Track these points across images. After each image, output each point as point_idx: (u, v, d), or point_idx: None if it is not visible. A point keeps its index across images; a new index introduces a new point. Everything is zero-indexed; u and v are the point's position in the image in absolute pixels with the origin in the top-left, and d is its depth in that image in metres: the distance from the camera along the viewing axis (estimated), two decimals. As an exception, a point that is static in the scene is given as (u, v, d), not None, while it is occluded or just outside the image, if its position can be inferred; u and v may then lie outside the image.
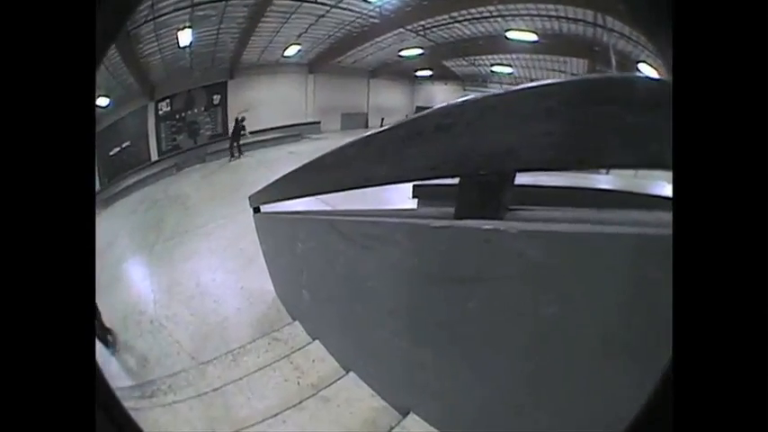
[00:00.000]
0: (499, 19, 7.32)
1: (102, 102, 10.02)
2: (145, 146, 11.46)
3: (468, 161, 1.74)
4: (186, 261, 6.21)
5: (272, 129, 9.63)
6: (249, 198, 4.50)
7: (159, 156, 11.40)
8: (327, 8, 7.52)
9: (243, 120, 9.49)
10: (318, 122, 9.48)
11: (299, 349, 3.68)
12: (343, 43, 8.67)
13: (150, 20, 7.29)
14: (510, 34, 7.48)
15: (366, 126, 8.62)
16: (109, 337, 4.60)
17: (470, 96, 1.76)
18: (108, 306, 4.85)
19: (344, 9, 7.49)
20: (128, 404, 3.03)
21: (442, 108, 1.78)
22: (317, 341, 3.64)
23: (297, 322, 4.03)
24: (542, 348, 1.70)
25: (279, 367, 3.57)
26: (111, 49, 6.32)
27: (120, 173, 11.29)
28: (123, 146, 11.55)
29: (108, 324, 4.59)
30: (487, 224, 1.70)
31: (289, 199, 3.70)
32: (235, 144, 9.64)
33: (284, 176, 3.59)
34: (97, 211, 8.32)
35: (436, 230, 1.92)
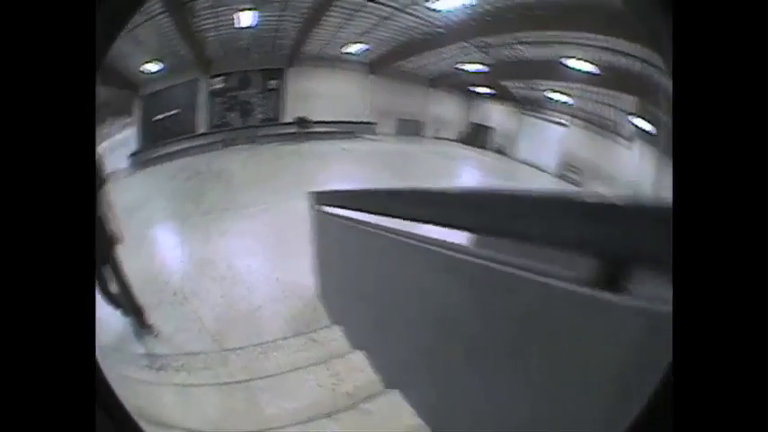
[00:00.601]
0: (557, 45, 7.10)
1: (153, 67, 10.11)
2: (193, 117, 11.23)
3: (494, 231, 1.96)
4: (222, 239, 5.89)
5: (326, 122, 9.29)
6: (310, 194, 4.17)
7: (207, 129, 11.10)
8: (392, 11, 7.27)
9: (304, 116, 9.23)
10: (374, 124, 9.09)
11: (339, 356, 3.45)
12: (406, 48, 8.35)
13: None
14: (567, 62, 7.18)
15: (420, 134, 8.30)
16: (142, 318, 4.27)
17: (503, 188, 1.91)
18: (128, 266, 4.35)
19: (410, 14, 7.25)
20: (128, 370, 3.58)
21: (476, 192, 2.18)
22: (359, 351, 3.45)
23: (338, 327, 3.79)
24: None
25: (314, 371, 3.37)
26: (163, 15, 7.63)
27: (163, 138, 11.11)
28: (171, 113, 11.41)
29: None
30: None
31: (353, 209, 3.55)
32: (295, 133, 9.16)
33: (355, 191, 3.60)
34: (134, 171, 9.19)
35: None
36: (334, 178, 7.03)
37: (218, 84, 10.83)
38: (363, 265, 3.53)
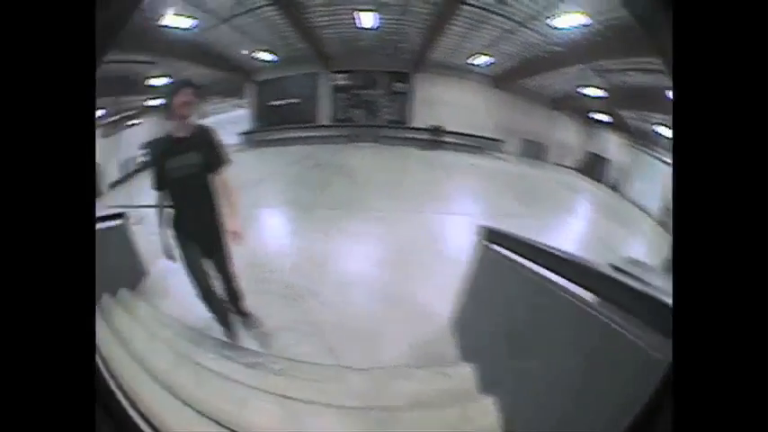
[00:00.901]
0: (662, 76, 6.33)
1: (266, 56, 10.49)
2: (313, 108, 11.29)
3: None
4: (345, 239, 5.57)
5: (456, 133, 8.96)
6: (480, 228, 3.79)
7: (329, 122, 11.08)
8: (514, 24, 7.00)
9: (438, 125, 8.89)
10: (500, 141, 8.69)
11: (471, 398, 3.12)
12: (529, 65, 8.03)
13: None
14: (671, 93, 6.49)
15: (542, 158, 7.89)
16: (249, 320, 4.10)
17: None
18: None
19: (531, 30, 6.97)
20: (204, 358, 3.53)
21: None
22: (490, 396, 3.11)
23: (471, 366, 3.44)
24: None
25: (444, 410, 3.05)
26: (269, 8, 7.28)
27: (278, 123, 11.39)
28: (290, 101, 11.64)
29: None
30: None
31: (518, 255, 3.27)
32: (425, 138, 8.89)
33: (526, 241, 3.36)
34: (246, 148, 9.52)
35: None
36: (460, 193, 6.90)
37: (341, 80, 10.83)
38: (512, 310, 3.24)
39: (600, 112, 8.03)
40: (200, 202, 3.59)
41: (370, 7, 7.26)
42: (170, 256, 3.63)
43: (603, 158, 7.67)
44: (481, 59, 8.13)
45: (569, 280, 2.59)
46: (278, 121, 11.64)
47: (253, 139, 11.48)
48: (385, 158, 8.53)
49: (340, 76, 10.82)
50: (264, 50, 10.42)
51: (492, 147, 8.59)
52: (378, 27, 7.93)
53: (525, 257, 3.23)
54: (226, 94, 12.82)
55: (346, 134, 10.30)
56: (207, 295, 3.76)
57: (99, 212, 5.02)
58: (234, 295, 4.04)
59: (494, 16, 6.79)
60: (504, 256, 3.58)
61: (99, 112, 10.27)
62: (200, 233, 3.65)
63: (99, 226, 4.18)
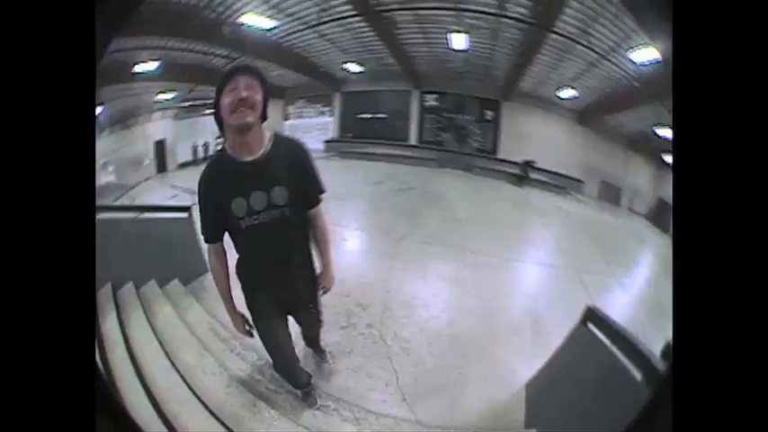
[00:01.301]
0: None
1: (354, 67, 10.56)
2: (403, 126, 11.36)
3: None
4: (434, 279, 4.87)
5: (544, 170, 8.72)
6: (587, 308, 3.43)
7: (418, 143, 11.11)
8: (597, 57, 6.71)
9: (531, 160, 8.64)
10: (581, 182, 8.43)
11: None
12: (609, 100, 7.83)
13: (408, 8, 7.08)
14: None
15: (618, 203, 7.60)
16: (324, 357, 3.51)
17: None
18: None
19: (611, 62, 6.67)
20: (258, 388, 3.11)
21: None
22: None
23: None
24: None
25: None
26: (355, 19, 7.54)
27: (364, 136, 11.51)
28: (378, 116, 11.73)
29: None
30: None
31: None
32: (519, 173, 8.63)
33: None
34: (331, 157, 9.76)
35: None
36: (550, 241, 6.20)
37: (432, 101, 10.79)
38: (594, 397, 2.96)
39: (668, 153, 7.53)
40: (284, 250, 2.37)
41: (462, 29, 7.05)
42: (248, 333, 2.59)
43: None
44: (567, 92, 7.95)
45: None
46: (365, 134, 11.83)
47: (338, 148, 11.67)
48: (477, 191, 8.25)
49: (430, 96, 10.73)
50: (353, 62, 10.41)
51: (574, 187, 8.37)
52: (468, 50, 7.79)
53: (620, 350, 2.97)
54: (312, 100, 13.09)
55: (435, 158, 10.19)
56: (286, 369, 2.90)
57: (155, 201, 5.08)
58: (314, 340, 3.33)
59: (578, 47, 6.53)
60: (600, 341, 3.28)
61: (170, 95, 11.00)
62: (282, 291, 2.51)
63: (166, 216, 4.59)
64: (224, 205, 2.16)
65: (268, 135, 2.21)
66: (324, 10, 7.38)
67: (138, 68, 9.03)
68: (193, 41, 9.12)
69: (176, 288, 4.29)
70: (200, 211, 2.25)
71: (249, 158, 2.13)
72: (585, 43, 6.19)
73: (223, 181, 2.16)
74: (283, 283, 2.48)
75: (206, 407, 2.80)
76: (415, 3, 6.85)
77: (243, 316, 2.52)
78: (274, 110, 14.59)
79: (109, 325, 3.51)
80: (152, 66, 9.35)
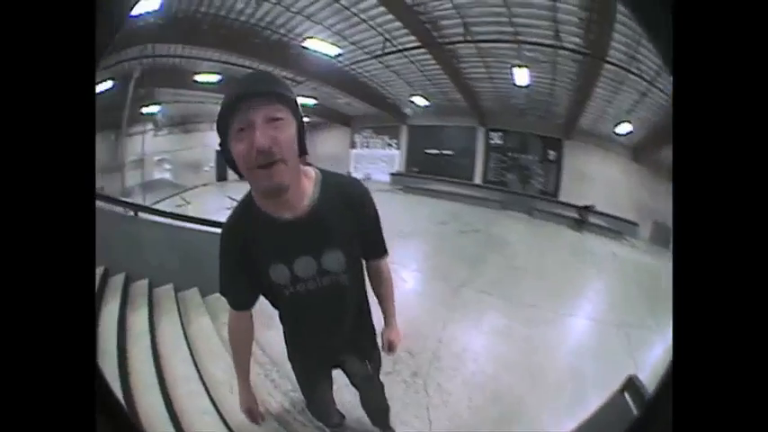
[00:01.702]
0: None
1: (420, 101, 10.55)
2: (468, 164, 11.33)
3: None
4: (496, 335, 4.40)
5: (600, 213, 8.54)
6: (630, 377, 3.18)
7: (482, 182, 11.04)
8: (647, 84, 6.46)
9: (591, 204, 8.46)
10: (636, 224, 8.16)
11: None
12: (660, 133, 7.49)
13: (469, 41, 6.83)
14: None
15: (668, 247, 7.06)
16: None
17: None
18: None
19: (659, 89, 6.40)
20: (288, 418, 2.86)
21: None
22: None
23: None
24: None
25: None
26: (420, 50, 7.52)
27: (431, 173, 11.43)
28: (444, 152, 11.72)
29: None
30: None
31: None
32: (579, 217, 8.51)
33: None
34: (395, 190, 9.70)
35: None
36: (604, 295, 5.73)
37: (497, 139, 10.75)
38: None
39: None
40: (337, 318, 1.81)
41: (523, 63, 6.97)
42: (254, 420, 2.03)
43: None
44: (623, 128, 7.86)
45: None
46: (431, 169, 11.96)
47: (404, 182, 11.88)
48: (537, 236, 7.90)
49: (495, 134, 10.71)
50: (419, 95, 10.37)
51: (629, 231, 8.17)
52: (530, 85, 7.76)
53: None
54: (379, 131, 13.27)
55: (499, 199, 9.99)
56: (320, 413, 2.48)
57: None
58: (381, 415, 2.71)
59: (630, 76, 6.34)
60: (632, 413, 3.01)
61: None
62: (332, 354, 2.02)
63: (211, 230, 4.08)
64: (259, 268, 1.56)
65: (313, 178, 1.53)
66: (388, 40, 7.26)
67: (198, 78, 9.20)
68: (255, 60, 8.89)
69: (220, 302, 3.96)
70: (223, 269, 1.61)
71: (290, 217, 1.46)
72: (635, 71, 6.04)
73: (256, 241, 1.53)
74: (335, 348, 1.95)
75: (226, 424, 2.58)
76: (475, 36, 6.69)
77: (254, 399, 1.94)
78: (341, 136, 14.56)
79: (137, 318, 3.44)
80: (213, 78, 9.57)
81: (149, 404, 2.54)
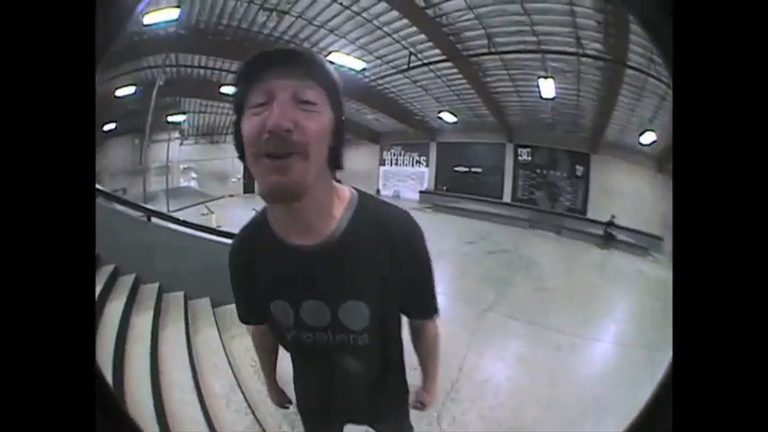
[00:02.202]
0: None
1: (448, 117, 10.59)
2: (497, 182, 11.36)
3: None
4: (520, 363, 3.99)
5: (627, 229, 8.45)
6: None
7: (512, 200, 11.10)
8: (665, 87, 6.29)
9: (613, 218, 8.43)
10: (661, 239, 8.01)
11: None
12: None
13: (493, 53, 6.74)
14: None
15: None
16: None
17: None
18: None
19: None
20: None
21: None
22: None
23: None
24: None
25: None
26: (447, 64, 7.68)
27: (460, 190, 11.49)
28: (472, 169, 11.81)
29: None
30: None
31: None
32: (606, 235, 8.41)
33: None
34: (423, 209, 9.39)
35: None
36: (627, 312, 5.53)
37: (525, 155, 10.74)
38: None
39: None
40: (353, 382, 1.31)
41: (548, 74, 6.89)
42: (284, 407, 1.65)
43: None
44: (648, 137, 7.80)
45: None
46: (460, 187, 11.98)
47: (433, 200, 11.92)
48: (565, 256, 7.63)
49: (524, 151, 10.64)
50: (447, 110, 10.32)
51: (655, 246, 8.02)
52: (556, 97, 7.67)
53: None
54: (408, 148, 13.61)
55: (528, 218, 9.90)
56: None
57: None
58: None
59: (650, 79, 6.28)
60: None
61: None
62: (348, 418, 1.61)
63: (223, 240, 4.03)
64: (260, 298, 1.15)
65: (347, 199, 1.06)
66: (413, 54, 7.24)
67: (224, 90, 9.03)
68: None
69: (230, 314, 3.61)
70: (231, 281, 1.27)
71: (305, 243, 1.01)
72: (654, 73, 6.01)
73: (258, 266, 1.14)
74: (347, 413, 1.53)
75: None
76: (499, 47, 6.64)
77: (283, 393, 1.56)
78: (370, 153, 14.37)
79: (141, 319, 3.31)
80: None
81: (140, 403, 2.46)
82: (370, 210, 1.05)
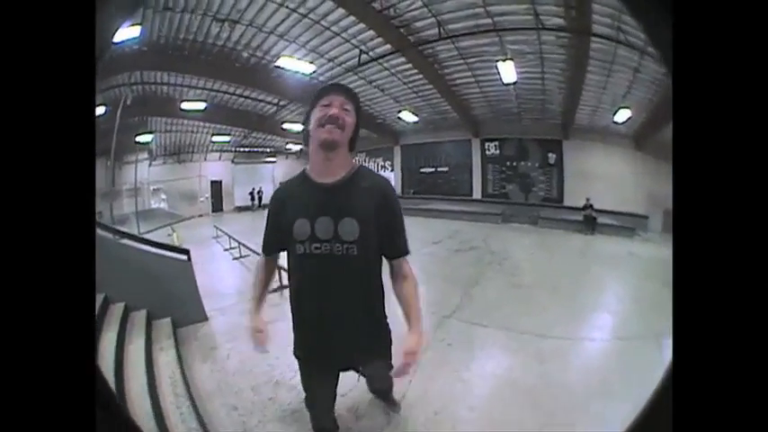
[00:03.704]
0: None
1: (408, 117, 10.06)
2: (466, 179, 11.11)
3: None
4: (489, 381, 2.84)
5: (609, 212, 8.12)
6: None
7: (482, 196, 10.75)
8: (638, 58, 5.93)
9: (589, 201, 8.15)
10: (646, 217, 7.85)
11: None
12: (662, 111, 6.94)
13: (445, 38, 6.20)
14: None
15: None
16: None
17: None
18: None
19: (652, 58, 5.81)
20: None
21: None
22: None
23: None
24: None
25: None
26: (400, 59, 7.10)
27: (427, 192, 11.22)
28: (438, 169, 11.54)
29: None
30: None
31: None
32: (586, 220, 8.09)
33: None
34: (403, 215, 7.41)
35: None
36: (626, 298, 4.45)
37: (493, 150, 10.40)
38: None
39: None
40: (343, 293, 1.66)
41: (507, 56, 6.27)
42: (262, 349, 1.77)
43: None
44: (622, 114, 7.23)
45: None
46: (427, 189, 11.76)
47: (405, 206, 10.78)
48: (544, 247, 6.83)
49: (491, 144, 10.27)
50: (407, 110, 9.88)
51: (641, 225, 7.74)
52: (517, 81, 7.05)
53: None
54: (372, 154, 13.48)
55: (500, 212, 9.41)
56: (318, 418, 2.11)
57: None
58: (385, 394, 2.54)
59: (620, 51, 5.79)
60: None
61: (224, 138, 11.78)
62: (339, 342, 1.72)
63: (165, 254, 4.08)
64: (287, 224, 1.62)
65: (353, 164, 1.68)
66: (363, 52, 6.86)
67: (184, 105, 9.20)
68: (240, 85, 9.01)
69: (164, 325, 3.69)
70: (266, 222, 1.74)
71: (327, 181, 1.61)
72: (623, 40, 5.47)
73: (294, 198, 1.67)
74: (341, 331, 1.70)
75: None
76: (451, 33, 6.15)
77: (263, 323, 1.74)
78: None
79: (134, 348, 3.18)
80: (200, 105, 9.44)
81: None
82: (365, 172, 1.66)
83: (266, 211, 1.74)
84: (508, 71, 6.53)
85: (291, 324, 1.66)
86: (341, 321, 1.66)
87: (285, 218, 1.61)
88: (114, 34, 0.97)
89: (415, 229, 7.11)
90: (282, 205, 1.66)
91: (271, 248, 1.76)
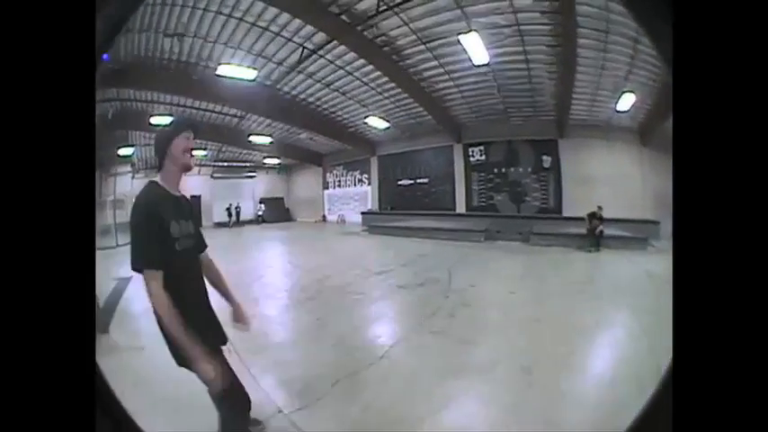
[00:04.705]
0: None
1: (378, 123, 9.34)
2: (448, 191, 10.51)
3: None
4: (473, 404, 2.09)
5: (614, 220, 7.10)
6: None
7: (467, 210, 10.04)
8: (634, 45, 5.43)
9: (600, 211, 7.08)
10: (657, 223, 7.01)
11: None
12: (662, 101, 6.45)
13: (384, 10, 5.45)
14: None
15: None
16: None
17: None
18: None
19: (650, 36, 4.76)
20: None
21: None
22: None
23: None
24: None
25: None
26: (361, 61, 6.44)
27: (402, 206, 10.40)
28: (417, 180, 10.96)
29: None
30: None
31: None
32: (589, 236, 7.18)
33: None
34: (370, 235, 8.17)
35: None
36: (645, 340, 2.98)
37: (478, 155, 9.82)
38: None
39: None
40: (198, 286, 1.94)
41: (471, 28, 5.40)
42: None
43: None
44: (625, 102, 6.51)
45: None
46: (405, 203, 11.28)
47: (373, 221, 10.98)
48: (534, 277, 5.32)
49: (476, 150, 9.44)
50: (375, 116, 9.21)
51: (653, 232, 6.79)
52: (490, 63, 6.11)
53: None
54: (349, 167, 13.35)
55: (484, 229, 8.39)
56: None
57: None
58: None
59: (612, 15, 5.00)
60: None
61: (202, 152, 12.23)
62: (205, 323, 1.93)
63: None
64: (165, 225, 1.79)
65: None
66: (303, 47, 6.34)
67: (152, 120, 9.30)
68: (196, 98, 8.85)
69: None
70: (143, 236, 1.74)
71: (179, 195, 1.95)
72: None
73: (162, 206, 1.80)
74: (200, 310, 1.87)
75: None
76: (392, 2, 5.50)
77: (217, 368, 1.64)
78: (314, 178, 13.95)
79: None
80: (166, 120, 8.36)
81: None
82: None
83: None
84: (476, 48, 5.72)
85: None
86: (205, 306, 1.92)
87: (161, 224, 1.80)
88: (114, 35, 1.10)
89: (375, 252, 7.03)
90: (154, 214, 1.80)
91: (156, 257, 1.79)
